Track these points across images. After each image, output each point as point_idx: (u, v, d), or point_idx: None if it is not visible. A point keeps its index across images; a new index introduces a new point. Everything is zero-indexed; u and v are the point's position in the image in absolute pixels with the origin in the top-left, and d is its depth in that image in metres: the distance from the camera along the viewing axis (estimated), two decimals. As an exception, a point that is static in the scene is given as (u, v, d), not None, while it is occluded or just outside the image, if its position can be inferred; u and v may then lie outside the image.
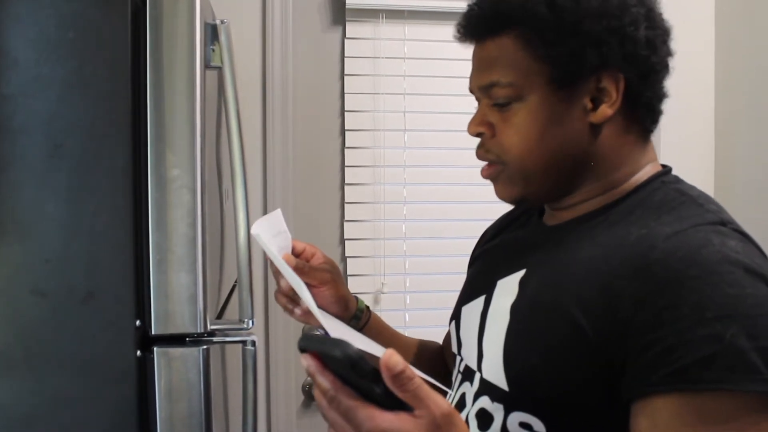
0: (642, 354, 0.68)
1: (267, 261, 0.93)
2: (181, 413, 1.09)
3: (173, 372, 1.09)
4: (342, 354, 0.56)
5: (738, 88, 2.14)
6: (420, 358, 1.10)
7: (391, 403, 0.58)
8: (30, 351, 1.05)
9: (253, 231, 0.89)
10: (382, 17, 2.12)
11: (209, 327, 1.12)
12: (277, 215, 0.98)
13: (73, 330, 1.06)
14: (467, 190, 2.10)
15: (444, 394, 0.61)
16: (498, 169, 0.85)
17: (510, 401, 0.79)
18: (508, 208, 1.02)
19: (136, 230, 1.08)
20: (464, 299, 0.95)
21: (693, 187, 0.82)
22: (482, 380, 0.83)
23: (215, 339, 1.15)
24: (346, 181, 2.13)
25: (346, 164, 2.13)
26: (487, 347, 0.84)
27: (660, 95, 0.84)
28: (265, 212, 2.03)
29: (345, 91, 2.12)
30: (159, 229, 1.08)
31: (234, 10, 1.90)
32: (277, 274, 0.96)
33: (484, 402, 0.82)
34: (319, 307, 0.97)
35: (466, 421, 0.83)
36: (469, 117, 0.88)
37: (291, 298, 0.98)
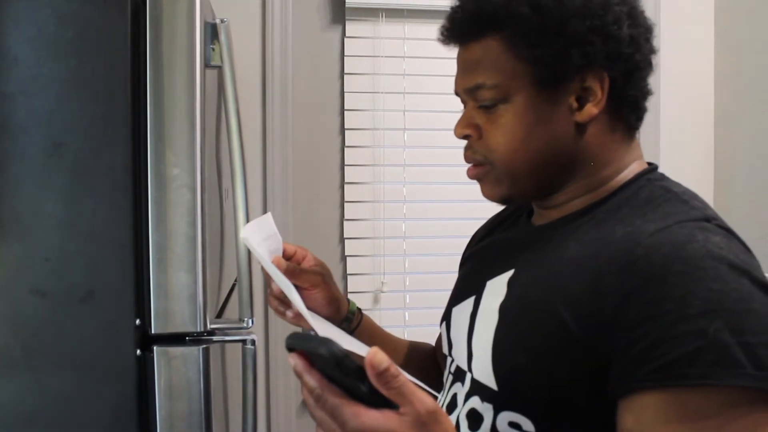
0: (627, 350, 0.68)
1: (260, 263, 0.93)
2: (181, 412, 1.09)
3: (173, 371, 1.09)
4: (328, 352, 0.57)
5: (737, 85, 2.14)
6: (411, 359, 1.10)
7: (377, 400, 0.59)
8: (30, 350, 1.05)
9: (242, 235, 0.89)
10: (382, 16, 2.12)
11: (209, 326, 1.12)
12: (267, 219, 0.98)
13: (73, 329, 1.06)
14: (467, 189, 2.08)
15: (432, 396, 0.61)
16: (484, 169, 0.86)
17: (499, 401, 0.79)
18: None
19: (136, 229, 1.08)
20: (454, 300, 0.96)
21: (678, 184, 0.82)
22: (473, 380, 0.84)
23: (215, 338, 1.15)
24: (346, 180, 2.13)
25: (345, 163, 2.13)
26: (477, 347, 0.84)
27: (645, 93, 0.84)
28: (264, 211, 2.03)
29: (345, 90, 2.12)
30: (159, 228, 1.08)
31: (234, 9, 1.90)
32: (269, 277, 0.96)
33: (475, 402, 0.82)
34: (311, 309, 0.97)
35: (457, 421, 0.84)
36: (469, 116, 0.88)
37: (282, 301, 0.98)
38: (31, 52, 1.04)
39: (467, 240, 1.09)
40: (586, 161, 0.83)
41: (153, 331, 1.09)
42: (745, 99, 2.11)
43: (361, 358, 0.58)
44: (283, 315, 0.99)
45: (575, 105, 0.81)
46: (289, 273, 0.94)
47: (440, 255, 2.13)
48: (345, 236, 2.13)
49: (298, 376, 0.61)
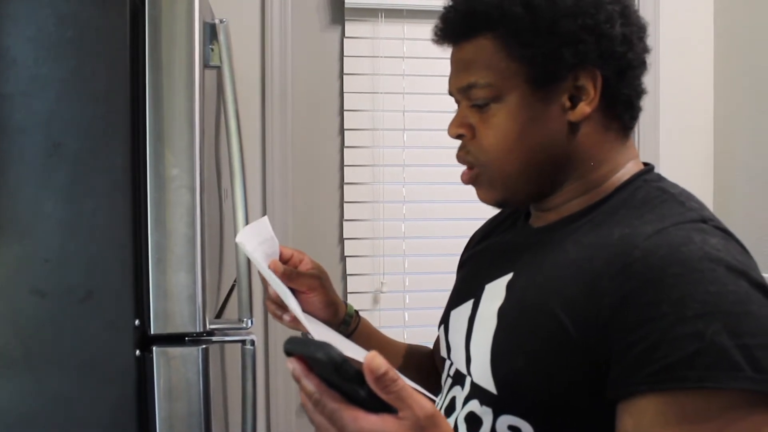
0: (625, 353, 0.68)
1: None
2: (181, 412, 1.09)
3: (172, 371, 1.09)
4: (326, 356, 0.56)
5: (737, 85, 2.14)
6: (408, 362, 1.10)
7: (376, 405, 0.58)
8: (29, 350, 1.05)
9: (237, 239, 0.89)
10: (381, 16, 2.12)
11: (208, 326, 1.12)
12: (263, 222, 0.98)
13: (73, 329, 1.06)
14: (467, 189, 2.09)
15: (431, 400, 0.61)
16: (477, 172, 0.86)
17: (498, 405, 0.79)
18: (505, 207, 1.02)
19: (135, 229, 1.08)
20: (453, 303, 0.95)
21: (675, 185, 0.82)
22: (472, 384, 0.84)
23: (214, 338, 1.15)
24: (345, 181, 2.13)
25: (345, 163, 2.13)
26: (475, 351, 0.84)
27: (639, 91, 0.84)
28: (264, 211, 2.03)
29: (344, 91, 2.12)
30: (158, 229, 1.08)
31: (233, 9, 1.90)
32: (266, 281, 0.96)
33: (473, 406, 0.82)
34: (309, 313, 0.97)
35: (455, 425, 0.84)
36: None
37: (279, 305, 0.98)
38: (30, 52, 1.04)
39: (467, 240, 1.09)
40: (580, 161, 0.83)
41: (152, 332, 1.08)
42: (745, 99, 2.11)
43: (360, 362, 0.58)
44: (280, 319, 0.99)
45: (568, 104, 0.81)
46: (286, 276, 0.94)
47: (440, 255, 2.13)
48: (344, 237, 2.13)
49: (297, 380, 0.61)
